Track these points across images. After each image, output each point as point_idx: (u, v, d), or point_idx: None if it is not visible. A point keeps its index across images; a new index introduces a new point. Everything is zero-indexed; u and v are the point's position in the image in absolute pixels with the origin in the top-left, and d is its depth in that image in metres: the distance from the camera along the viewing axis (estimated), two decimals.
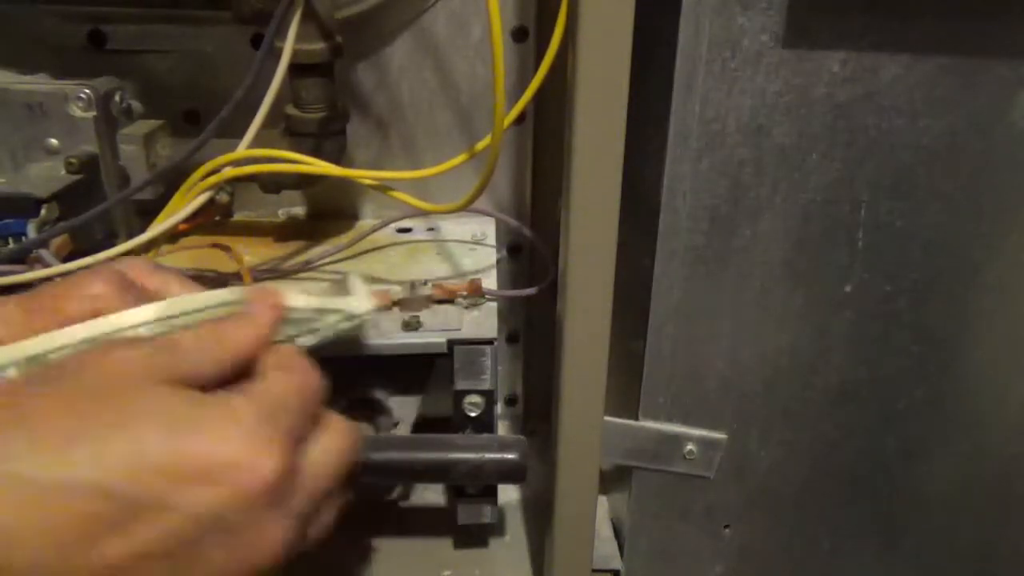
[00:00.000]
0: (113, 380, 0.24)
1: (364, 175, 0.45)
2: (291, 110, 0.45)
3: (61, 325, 0.28)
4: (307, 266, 0.48)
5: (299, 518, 0.27)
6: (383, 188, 0.46)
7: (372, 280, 0.47)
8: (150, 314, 0.29)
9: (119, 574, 0.23)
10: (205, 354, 0.27)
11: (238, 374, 0.28)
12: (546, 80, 0.38)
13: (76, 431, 0.22)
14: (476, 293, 0.45)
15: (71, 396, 0.23)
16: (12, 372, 0.27)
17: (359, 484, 0.34)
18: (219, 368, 0.27)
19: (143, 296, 0.30)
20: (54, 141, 0.44)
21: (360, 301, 0.34)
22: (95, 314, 0.28)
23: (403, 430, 0.44)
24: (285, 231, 0.54)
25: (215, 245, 0.50)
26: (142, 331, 0.28)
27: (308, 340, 0.33)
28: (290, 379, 0.28)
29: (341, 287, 0.37)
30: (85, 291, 0.29)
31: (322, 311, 0.33)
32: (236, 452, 0.24)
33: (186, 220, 0.45)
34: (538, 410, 0.61)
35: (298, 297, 0.32)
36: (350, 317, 0.34)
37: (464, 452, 0.41)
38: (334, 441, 0.29)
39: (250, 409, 0.26)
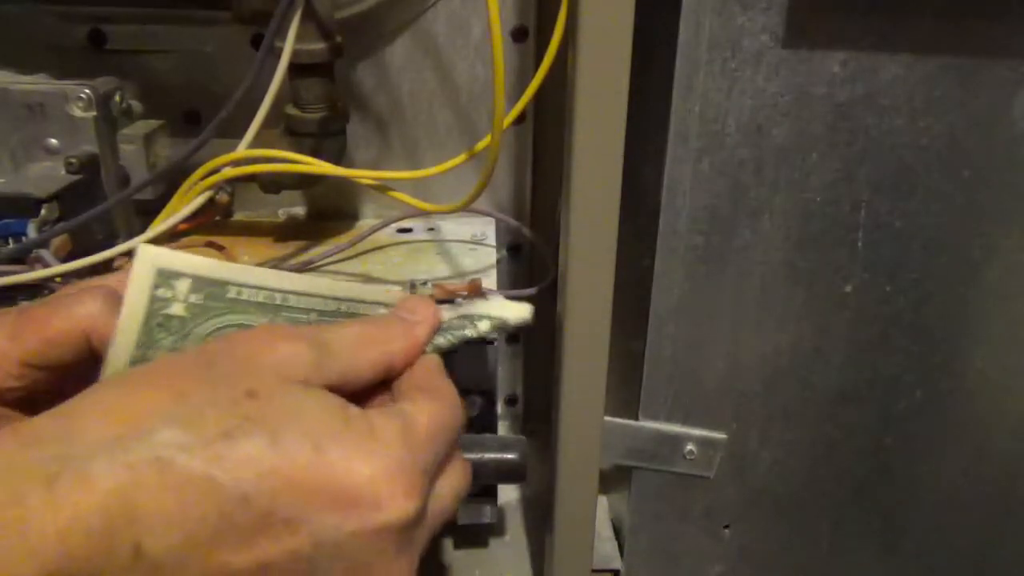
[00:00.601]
0: (268, 378, 0.24)
1: (364, 175, 0.45)
2: (291, 110, 0.45)
3: (48, 344, 0.26)
4: (307, 266, 0.48)
5: (417, 555, 0.26)
6: (383, 188, 0.46)
7: (372, 280, 0.47)
8: (330, 289, 0.29)
9: None
10: (360, 358, 0.27)
11: (383, 381, 0.28)
12: (546, 80, 0.38)
13: (230, 430, 0.22)
14: (476, 293, 0.45)
15: (228, 390, 0.23)
16: (184, 285, 0.26)
17: None
18: (371, 374, 0.27)
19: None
20: (54, 141, 0.44)
21: (515, 310, 0.33)
22: (84, 333, 0.27)
23: None
24: (285, 231, 0.54)
25: (209, 244, 0.50)
26: (315, 303, 0.29)
27: (442, 342, 0.32)
28: (439, 411, 0.27)
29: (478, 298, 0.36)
30: (75, 308, 0.27)
31: (472, 317, 0.32)
32: (376, 486, 0.24)
33: (186, 220, 0.45)
34: (538, 410, 0.61)
35: (447, 308, 0.32)
36: (503, 324, 0.33)
37: (464, 452, 0.41)
38: (459, 481, 0.29)
39: (398, 441, 0.25)
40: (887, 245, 0.41)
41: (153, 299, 0.26)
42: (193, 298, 0.26)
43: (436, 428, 0.27)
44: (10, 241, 0.40)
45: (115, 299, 0.28)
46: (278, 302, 0.28)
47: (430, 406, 0.27)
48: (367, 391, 0.28)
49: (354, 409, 0.25)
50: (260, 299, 0.27)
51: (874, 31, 0.36)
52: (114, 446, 0.21)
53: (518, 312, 0.33)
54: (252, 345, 0.25)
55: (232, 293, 0.27)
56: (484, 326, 0.32)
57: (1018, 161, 0.39)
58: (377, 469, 0.24)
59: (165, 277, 0.26)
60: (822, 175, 0.39)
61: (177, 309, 0.26)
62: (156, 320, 0.26)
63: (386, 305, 0.31)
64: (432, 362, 0.30)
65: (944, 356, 0.44)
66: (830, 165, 0.39)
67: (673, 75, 0.37)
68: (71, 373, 0.27)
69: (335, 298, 0.30)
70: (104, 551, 0.20)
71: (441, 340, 0.31)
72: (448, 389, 0.29)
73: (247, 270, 0.27)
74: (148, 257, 0.26)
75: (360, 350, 0.27)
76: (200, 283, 0.26)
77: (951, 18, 0.36)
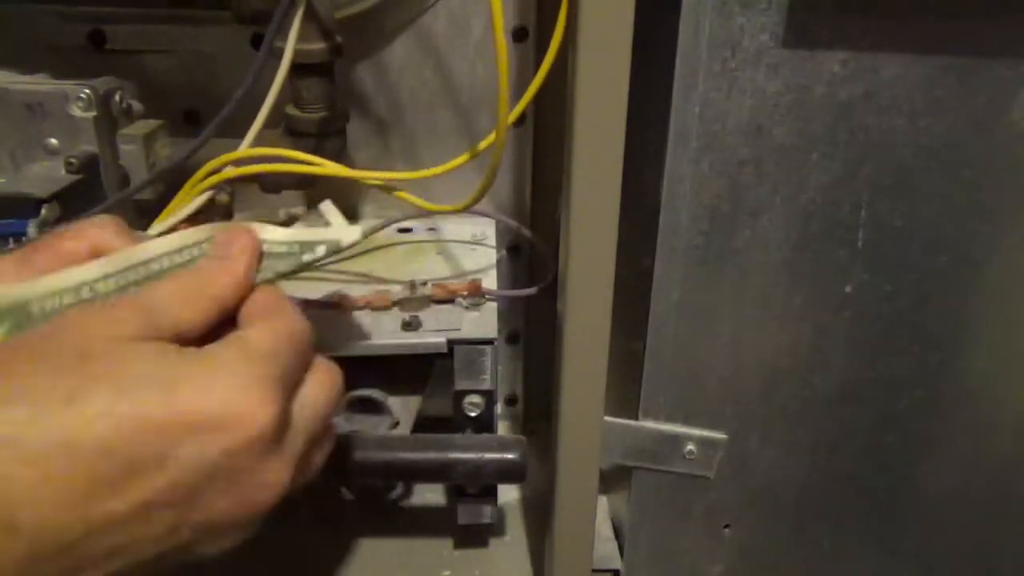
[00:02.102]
0: (98, 341, 0.24)
1: (366, 175, 0.45)
2: (291, 110, 0.45)
3: (60, 262, 0.28)
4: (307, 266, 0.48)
5: (294, 461, 0.27)
6: (386, 188, 0.46)
7: (372, 280, 0.47)
8: (133, 258, 0.29)
9: (122, 526, 0.23)
10: (185, 307, 0.27)
11: (222, 321, 0.28)
12: (546, 80, 0.38)
13: (72, 393, 0.23)
14: (476, 293, 0.45)
15: (60, 359, 0.24)
16: (36, 308, 0.27)
17: (360, 484, 0.34)
18: (202, 319, 0.28)
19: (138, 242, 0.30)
20: (54, 141, 0.44)
21: (347, 231, 0.33)
22: (93, 251, 0.28)
23: (403, 430, 0.44)
24: None
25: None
26: (112, 282, 0.28)
27: (281, 267, 0.32)
28: (277, 326, 0.28)
29: (314, 218, 0.36)
30: (88, 230, 0.29)
31: (304, 244, 0.32)
32: (231, 404, 0.25)
33: (186, 220, 0.45)
34: (538, 410, 0.61)
35: (275, 230, 0.31)
36: (337, 247, 0.32)
37: (464, 452, 0.41)
38: (323, 384, 0.30)
39: (240, 360, 0.26)
40: (887, 245, 0.41)
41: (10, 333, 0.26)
42: (4, 328, 0.27)
43: (276, 341, 0.27)
44: (10, 241, 0.40)
45: (124, 230, 0.30)
46: (86, 296, 0.28)
47: (267, 324, 0.28)
48: (216, 330, 0.28)
49: (189, 348, 0.26)
50: (67, 302, 0.28)
51: (874, 31, 0.36)
52: None
53: (349, 234, 0.33)
54: (77, 317, 0.25)
55: (35, 309, 0.27)
56: (320, 250, 0.32)
57: (1018, 161, 0.39)
58: (226, 389, 0.25)
59: (16, 313, 0.27)
60: (822, 175, 0.39)
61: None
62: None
63: (203, 243, 0.30)
64: (267, 289, 0.30)
65: (944, 356, 0.44)
66: (830, 165, 0.39)
67: (673, 75, 0.37)
68: None
69: (146, 262, 0.29)
70: None
71: (280, 266, 0.31)
72: (286, 306, 0.29)
73: (40, 282, 0.27)
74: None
75: (185, 303, 0.27)
76: (2, 315, 0.27)
77: (951, 18, 0.36)
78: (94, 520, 0.22)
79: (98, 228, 0.30)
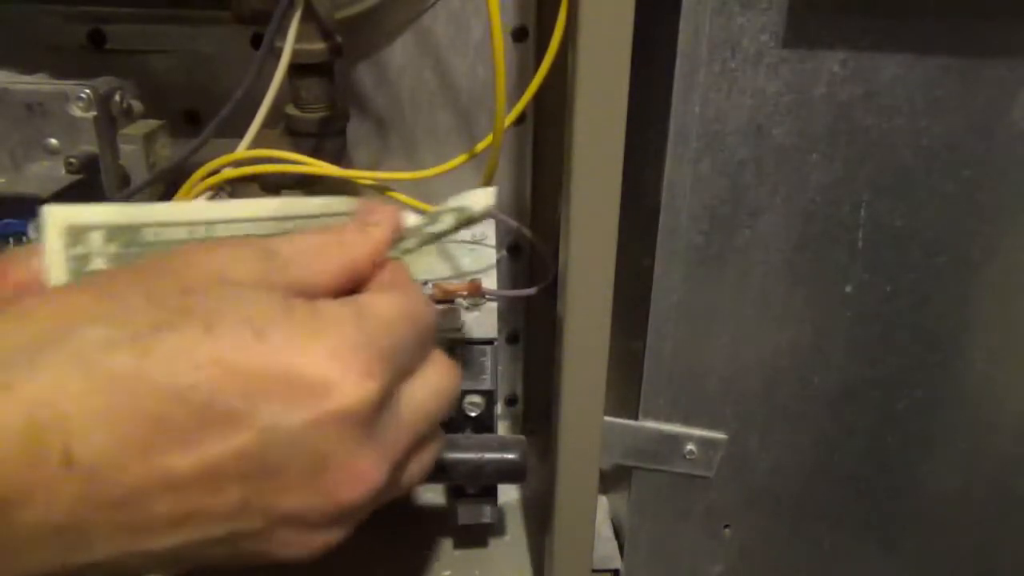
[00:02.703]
0: (209, 277, 0.22)
1: (364, 175, 0.45)
2: (291, 110, 0.45)
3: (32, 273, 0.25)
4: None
5: (391, 457, 0.24)
6: (383, 188, 0.46)
7: None
8: (268, 209, 0.27)
9: (186, 490, 0.20)
10: (314, 262, 0.25)
11: (348, 290, 0.26)
12: (546, 80, 0.38)
13: (160, 323, 0.20)
14: (476, 293, 0.45)
15: (162, 287, 0.21)
16: (97, 238, 0.24)
17: None
18: (328, 279, 0.25)
19: None
20: (54, 141, 0.44)
21: (478, 197, 0.31)
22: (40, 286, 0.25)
23: None
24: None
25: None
26: (249, 228, 0.26)
27: (410, 244, 0.30)
28: (402, 302, 0.25)
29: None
30: (32, 260, 0.26)
31: (436, 215, 0.30)
32: (328, 369, 0.21)
33: None
34: (538, 410, 0.61)
35: (415, 217, 0.30)
36: (468, 215, 0.31)
37: (464, 452, 0.41)
38: (439, 379, 0.26)
39: (350, 322, 0.22)
40: (887, 245, 0.41)
41: (71, 259, 0.24)
42: (111, 248, 0.25)
43: (397, 315, 0.24)
44: (10, 241, 0.40)
45: None
46: (203, 234, 0.26)
47: (392, 295, 0.25)
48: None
49: (299, 299, 0.23)
50: (182, 235, 0.26)
51: (874, 31, 0.36)
52: (33, 349, 0.19)
53: (482, 200, 0.31)
54: (193, 253, 0.23)
55: (150, 235, 0.25)
56: (449, 219, 0.31)
57: (1018, 161, 0.39)
58: (325, 350, 0.21)
59: (76, 234, 0.24)
60: (822, 175, 0.39)
61: (98, 263, 0.25)
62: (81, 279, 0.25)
63: (343, 215, 0.28)
64: (398, 265, 0.28)
65: (944, 356, 0.44)
66: (830, 165, 0.39)
67: (673, 75, 0.37)
68: None
69: (277, 218, 0.27)
70: (32, 462, 0.18)
71: (409, 243, 0.30)
72: (415, 287, 0.27)
73: (164, 208, 0.26)
74: (54, 219, 0.24)
75: (316, 259, 0.25)
76: (113, 232, 0.25)
77: (951, 18, 0.36)
78: (155, 473, 0.20)
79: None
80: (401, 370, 0.24)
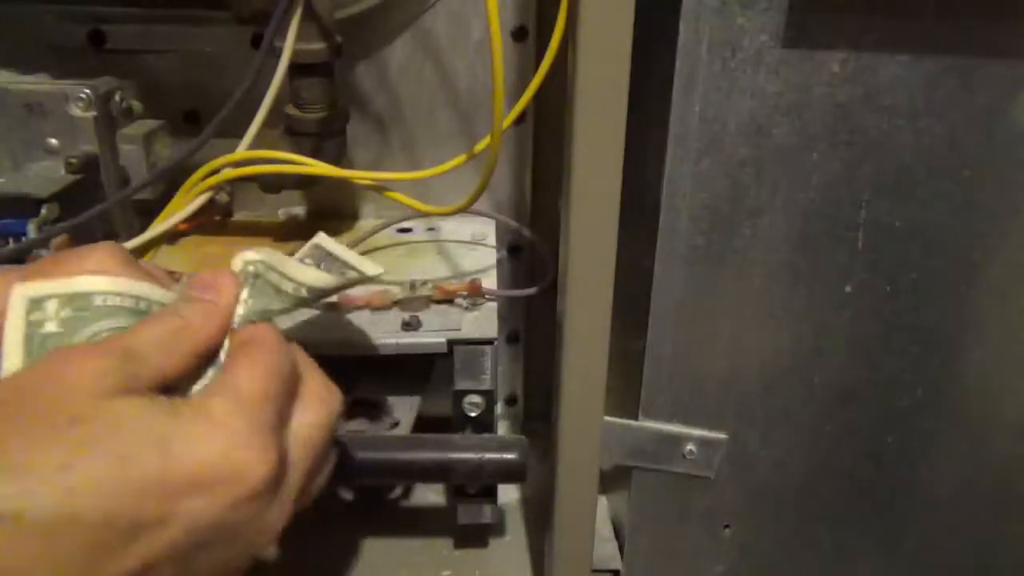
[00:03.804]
0: (85, 400, 0.24)
1: (364, 176, 0.45)
2: (291, 110, 0.45)
3: None
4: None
5: (293, 499, 0.27)
6: (382, 188, 0.46)
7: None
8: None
9: None
10: (169, 355, 0.27)
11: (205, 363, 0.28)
12: (546, 80, 0.38)
13: (67, 462, 0.22)
14: (476, 293, 0.45)
15: (50, 423, 0.23)
16: (52, 305, 0.27)
17: (360, 484, 0.34)
18: (185, 364, 0.27)
19: (141, 272, 0.30)
20: (54, 141, 0.44)
21: (310, 275, 0.32)
22: None
23: (403, 430, 0.44)
24: (285, 231, 0.54)
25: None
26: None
27: (275, 306, 0.32)
28: (261, 366, 0.27)
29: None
30: (86, 260, 0.28)
31: (276, 271, 0.32)
32: (229, 459, 0.25)
33: (186, 220, 0.45)
34: (538, 410, 0.61)
35: (246, 254, 0.31)
36: (301, 286, 0.32)
37: (464, 452, 0.41)
38: (315, 412, 0.29)
39: (232, 412, 0.26)
40: (887, 245, 0.41)
41: (29, 324, 0.27)
42: (63, 313, 0.27)
43: (263, 383, 0.27)
44: (10, 241, 0.40)
45: (126, 257, 0.29)
46: (142, 308, 0.29)
47: (250, 364, 0.27)
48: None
49: (179, 401, 0.26)
50: (127, 305, 0.28)
51: (874, 31, 0.36)
52: None
53: (371, 268, 0.33)
54: (54, 369, 0.24)
55: (99, 301, 0.28)
56: (304, 291, 0.32)
57: (1018, 161, 0.39)
58: (224, 446, 0.25)
59: (36, 303, 0.27)
60: (822, 175, 0.39)
61: (51, 327, 0.27)
62: (36, 341, 0.27)
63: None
64: (248, 328, 0.30)
65: (944, 356, 0.44)
66: (830, 165, 0.39)
67: (673, 75, 0.37)
68: None
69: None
70: None
71: (273, 304, 0.31)
72: (267, 337, 0.29)
73: (111, 281, 0.28)
74: (18, 293, 0.27)
75: (169, 349, 0.27)
76: (65, 300, 0.27)
77: (951, 18, 0.36)
78: None
79: (101, 255, 0.29)
80: (283, 421, 0.28)
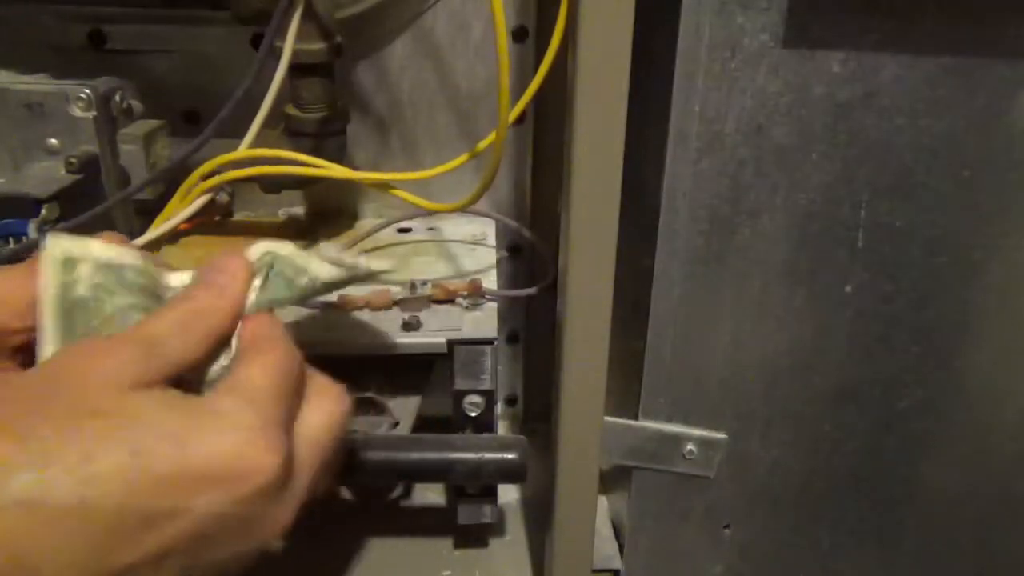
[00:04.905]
0: (105, 393, 0.25)
1: (364, 176, 0.45)
2: (291, 110, 0.45)
3: None
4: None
5: (301, 496, 0.28)
6: (384, 186, 0.46)
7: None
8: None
9: (136, 573, 0.24)
10: (185, 344, 0.28)
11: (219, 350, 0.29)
12: (546, 80, 0.38)
13: (86, 454, 0.23)
14: (476, 293, 0.45)
15: (71, 415, 0.24)
16: (85, 269, 0.28)
17: (360, 484, 0.34)
18: (201, 354, 0.28)
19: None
20: (54, 141, 0.44)
21: (324, 269, 0.33)
22: None
23: (403, 430, 0.44)
24: (285, 231, 0.54)
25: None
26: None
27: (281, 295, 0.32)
28: (271, 364, 0.28)
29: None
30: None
31: (289, 262, 0.32)
32: (240, 456, 0.25)
33: (186, 220, 0.45)
34: (538, 410, 0.61)
35: (260, 245, 0.32)
36: (314, 279, 0.32)
37: (464, 452, 0.41)
38: (324, 410, 0.30)
39: (244, 410, 0.26)
40: (887, 245, 0.41)
41: (61, 285, 0.28)
42: (96, 279, 0.28)
43: (273, 381, 0.28)
44: (10, 241, 0.40)
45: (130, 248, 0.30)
46: (160, 294, 0.29)
47: (262, 362, 0.28)
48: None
49: (193, 398, 0.27)
50: (150, 286, 0.29)
51: (874, 31, 0.36)
52: None
53: (380, 264, 0.34)
54: (79, 362, 0.26)
55: (129, 276, 0.29)
56: (319, 274, 0.32)
57: (1018, 161, 0.39)
58: (235, 442, 0.26)
59: (69, 264, 0.28)
60: (822, 175, 0.39)
61: (81, 290, 0.28)
62: (67, 304, 0.28)
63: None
64: (259, 320, 0.30)
65: (944, 356, 0.44)
66: (830, 165, 0.39)
67: (673, 75, 0.37)
68: None
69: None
70: None
71: (280, 294, 0.31)
72: (276, 338, 0.30)
73: (143, 258, 0.29)
74: (55, 248, 0.28)
75: (184, 340, 0.28)
76: (98, 267, 0.28)
77: (951, 18, 0.36)
78: (114, 570, 0.23)
79: (116, 240, 0.30)
80: (291, 419, 0.29)
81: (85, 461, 0.23)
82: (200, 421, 0.26)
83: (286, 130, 0.46)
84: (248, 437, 0.26)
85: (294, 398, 0.29)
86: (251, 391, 0.27)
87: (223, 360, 0.29)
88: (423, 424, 0.45)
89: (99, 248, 0.28)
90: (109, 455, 0.23)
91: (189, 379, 0.28)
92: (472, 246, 0.53)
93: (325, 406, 0.30)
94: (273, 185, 0.48)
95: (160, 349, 0.27)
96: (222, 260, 0.31)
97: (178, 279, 0.31)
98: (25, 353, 0.28)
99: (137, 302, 0.28)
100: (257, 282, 0.31)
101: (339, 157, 0.47)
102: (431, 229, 0.55)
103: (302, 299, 0.33)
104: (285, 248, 0.32)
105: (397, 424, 0.44)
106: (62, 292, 0.28)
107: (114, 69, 0.47)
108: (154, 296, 0.29)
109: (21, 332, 0.28)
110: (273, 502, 0.27)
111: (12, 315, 0.28)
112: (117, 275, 0.28)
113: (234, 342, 0.30)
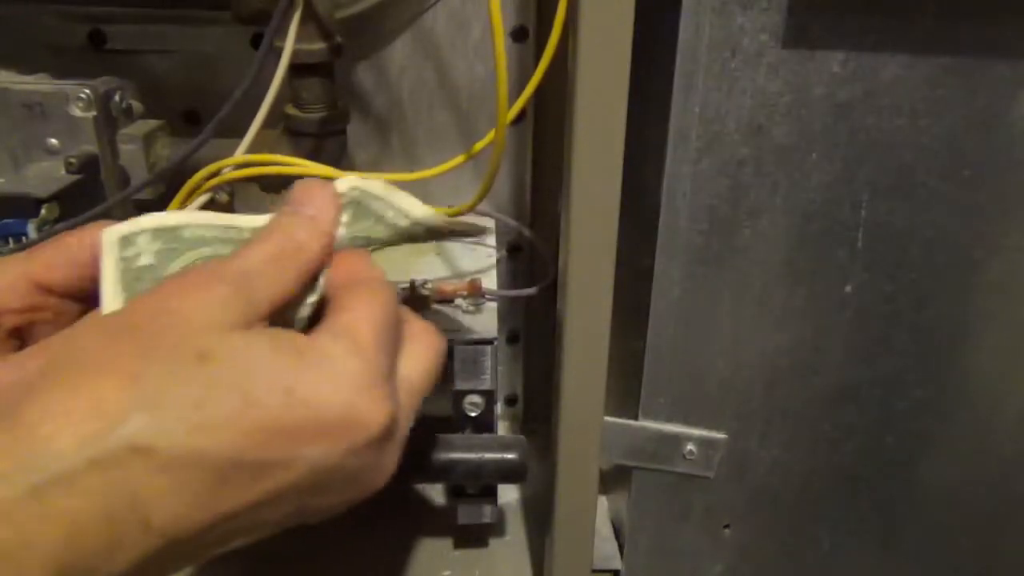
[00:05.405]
0: (210, 335, 0.24)
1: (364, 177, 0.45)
2: (291, 110, 0.45)
3: (65, 259, 0.28)
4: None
5: (403, 442, 0.28)
6: None
7: None
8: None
9: (249, 514, 0.24)
10: (281, 280, 0.27)
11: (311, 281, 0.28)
12: (546, 80, 0.38)
13: (199, 401, 0.23)
14: (476, 293, 0.45)
15: (179, 359, 0.23)
16: (144, 240, 0.28)
17: None
18: (294, 287, 0.27)
19: None
20: (54, 141, 0.44)
21: (417, 207, 0.32)
22: (97, 255, 0.28)
23: None
24: None
25: None
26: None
27: (372, 231, 0.31)
28: (373, 307, 0.27)
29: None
30: (91, 233, 0.29)
31: (379, 198, 0.31)
32: (348, 407, 0.25)
33: None
34: (538, 410, 0.61)
35: (348, 179, 0.31)
36: (407, 217, 0.32)
37: (464, 452, 0.41)
38: (421, 357, 0.30)
39: (353, 357, 0.26)
40: (887, 245, 0.41)
41: (123, 260, 0.27)
42: (156, 246, 0.28)
43: (377, 326, 0.27)
44: (10, 241, 0.40)
45: None
46: (232, 236, 0.29)
47: (364, 306, 0.27)
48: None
49: (301, 339, 0.26)
50: (217, 234, 0.28)
51: (874, 31, 0.36)
52: (88, 447, 0.21)
53: (414, 208, 0.33)
54: (175, 302, 0.24)
55: (188, 233, 0.28)
56: (389, 215, 0.32)
57: (1018, 161, 0.39)
58: (348, 393, 0.25)
59: (127, 240, 0.28)
60: (822, 175, 0.39)
61: (145, 260, 0.27)
62: (131, 276, 0.27)
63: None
64: (350, 257, 0.30)
65: (944, 356, 0.44)
66: (830, 165, 0.39)
67: (673, 75, 0.37)
68: (67, 314, 0.29)
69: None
70: (114, 538, 0.21)
71: (376, 231, 0.31)
72: (375, 276, 0.29)
73: (195, 215, 0.29)
74: (108, 235, 0.28)
75: (278, 270, 0.27)
76: (156, 234, 0.28)
77: (951, 18, 0.36)
78: (224, 513, 0.23)
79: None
80: (394, 366, 0.28)
81: (197, 408, 0.22)
82: (310, 367, 0.25)
83: (286, 130, 0.46)
84: (359, 385, 0.25)
85: (396, 344, 0.28)
86: (358, 338, 0.26)
87: (311, 297, 0.28)
88: (423, 424, 0.45)
89: (150, 219, 0.28)
90: (221, 404, 0.23)
91: (276, 317, 0.27)
92: (472, 246, 0.53)
93: (422, 352, 0.30)
94: (274, 185, 0.47)
95: (255, 284, 0.26)
96: (308, 190, 0.29)
97: (251, 222, 0.29)
98: (21, 336, 0.28)
99: (212, 251, 0.28)
100: (345, 217, 0.30)
101: (339, 157, 0.47)
102: None
103: (390, 238, 0.32)
104: (375, 184, 0.31)
105: None
106: (125, 265, 0.27)
107: (114, 69, 0.46)
108: (228, 242, 0.28)
109: (19, 312, 0.28)
110: (380, 452, 0.27)
111: (13, 295, 0.27)
112: (176, 236, 0.28)
113: (321, 279, 0.28)
